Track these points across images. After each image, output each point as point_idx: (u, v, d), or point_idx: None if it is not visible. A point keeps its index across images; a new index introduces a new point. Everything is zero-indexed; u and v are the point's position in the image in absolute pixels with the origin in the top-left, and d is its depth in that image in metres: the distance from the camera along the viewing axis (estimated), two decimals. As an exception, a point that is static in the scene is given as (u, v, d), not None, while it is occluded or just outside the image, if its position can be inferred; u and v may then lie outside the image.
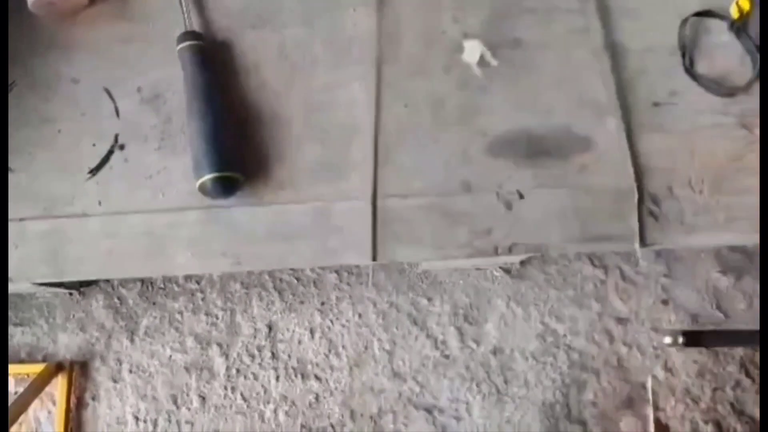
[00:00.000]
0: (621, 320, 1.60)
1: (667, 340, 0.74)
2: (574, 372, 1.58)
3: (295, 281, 1.67)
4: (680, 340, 0.75)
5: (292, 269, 1.66)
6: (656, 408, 1.54)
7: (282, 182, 0.82)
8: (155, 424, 1.59)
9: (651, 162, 0.81)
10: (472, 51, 0.87)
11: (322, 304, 1.65)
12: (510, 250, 0.79)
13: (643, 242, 0.79)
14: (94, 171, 0.82)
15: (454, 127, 0.84)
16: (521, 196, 0.81)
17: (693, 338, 0.77)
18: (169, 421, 1.58)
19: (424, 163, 0.82)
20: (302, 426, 1.57)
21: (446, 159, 0.82)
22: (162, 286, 1.67)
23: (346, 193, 0.81)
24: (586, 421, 1.55)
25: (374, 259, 0.79)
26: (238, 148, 0.81)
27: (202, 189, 0.76)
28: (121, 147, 0.84)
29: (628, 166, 0.81)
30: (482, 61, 0.87)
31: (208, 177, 0.74)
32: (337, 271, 1.67)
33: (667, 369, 1.55)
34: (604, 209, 0.80)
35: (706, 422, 1.52)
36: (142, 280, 1.68)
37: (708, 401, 1.53)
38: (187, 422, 1.58)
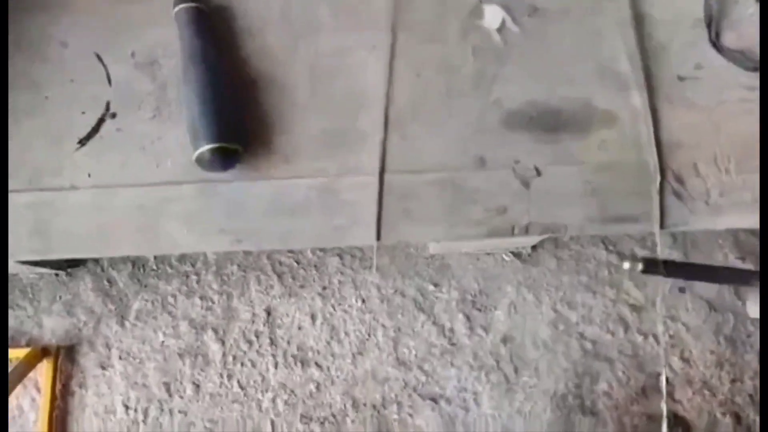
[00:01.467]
0: (636, 308, 1.59)
1: (626, 265, 0.74)
2: (587, 361, 1.57)
3: (296, 264, 1.66)
4: (639, 267, 0.74)
5: (291, 251, 1.65)
6: (672, 400, 1.53)
7: (285, 155, 0.81)
8: (146, 413, 1.58)
9: (675, 138, 0.81)
10: (494, 16, 0.85)
11: (324, 288, 1.64)
12: (527, 230, 0.79)
13: (665, 224, 0.79)
14: (83, 141, 0.81)
15: (469, 97, 0.82)
16: (538, 173, 0.80)
17: (652, 266, 0.76)
18: (161, 410, 1.58)
19: (436, 136, 0.81)
20: (302, 416, 1.56)
21: (460, 132, 0.81)
22: (154, 267, 1.66)
23: (353, 168, 0.80)
24: (599, 412, 1.54)
25: (378, 238, 0.79)
26: (238, 117, 0.80)
27: (200, 161, 0.75)
28: (113, 115, 0.82)
29: (651, 143, 0.80)
30: (503, 28, 0.85)
31: (206, 148, 0.73)
32: (339, 255, 1.66)
33: (684, 359, 1.55)
34: (625, 188, 0.79)
35: (724, 414, 1.52)
36: (134, 262, 1.67)
37: (726, 392, 1.53)
38: (180, 411, 1.58)
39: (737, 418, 1.52)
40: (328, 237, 0.79)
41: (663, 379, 0.73)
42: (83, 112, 0.83)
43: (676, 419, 1.53)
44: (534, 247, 1.61)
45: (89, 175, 0.80)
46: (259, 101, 0.82)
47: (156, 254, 0.76)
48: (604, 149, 0.80)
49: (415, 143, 0.81)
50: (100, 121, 0.82)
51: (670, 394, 1.54)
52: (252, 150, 0.80)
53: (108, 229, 0.79)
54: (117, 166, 0.81)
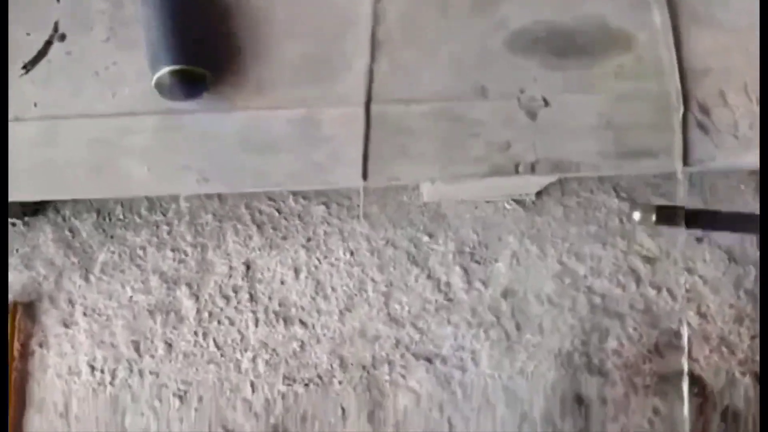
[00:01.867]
0: (649, 260, 1.58)
1: (636, 215, 0.73)
2: (595, 317, 1.57)
3: (277, 213, 1.64)
4: (652, 216, 0.73)
5: (272, 199, 1.64)
6: (689, 358, 1.54)
7: (259, 83, 0.78)
8: (114, 374, 1.58)
9: (701, 63, 0.79)
10: None
11: (308, 240, 1.63)
12: (533, 168, 0.78)
13: (689, 160, 0.78)
14: (28, 66, 0.78)
15: (469, 17, 0.80)
16: (546, 103, 0.79)
17: (667, 215, 0.74)
18: (131, 371, 1.58)
19: (431, 62, 0.79)
20: (285, 377, 1.57)
21: (458, 57, 0.79)
22: (121, 216, 1.64)
23: (336, 98, 0.78)
24: (608, 371, 1.55)
25: (365, 178, 0.78)
26: (204, 38, 0.77)
27: (160, 86, 0.72)
28: (62, 37, 0.79)
29: (673, 69, 0.78)
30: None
31: (166, 70, 0.70)
32: (325, 203, 1.65)
33: (701, 314, 1.55)
34: (644, 120, 0.78)
35: (743, 374, 1.53)
36: (98, 210, 1.65)
37: (746, 350, 1.54)
38: (151, 372, 1.58)
39: (757, 378, 1.53)
40: (307, 176, 0.78)
41: (685, 331, 0.72)
42: (28, 34, 0.80)
43: (691, 378, 1.53)
44: (538, 194, 1.60)
45: (35, 105, 0.78)
46: (229, 21, 0.79)
47: (112, 196, 0.74)
48: (621, 76, 0.79)
49: (406, 70, 0.79)
50: (48, 44, 0.79)
51: (684, 351, 1.53)
52: (221, 77, 0.78)
53: (57, 168, 0.77)
54: (67, 95, 0.78)
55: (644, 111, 0.78)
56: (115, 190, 0.78)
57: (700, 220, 0.78)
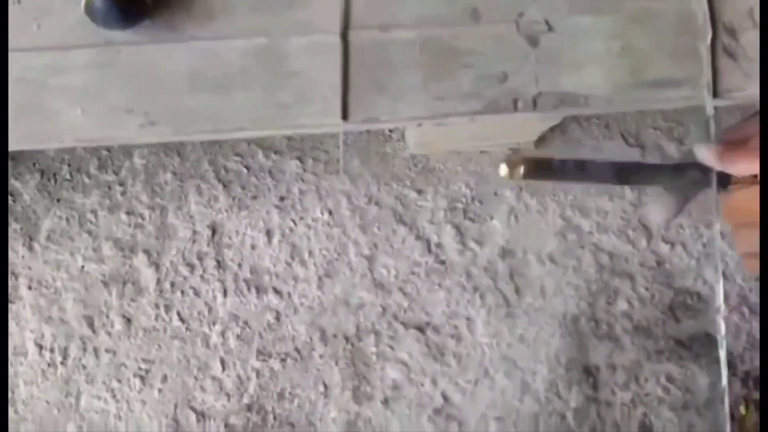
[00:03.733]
0: (662, 213, 1.59)
1: (503, 170, 0.69)
2: (602, 277, 1.58)
3: (245, 170, 1.63)
4: (521, 171, 0.70)
5: (239, 154, 1.62)
6: (705, 319, 1.55)
7: (211, 7, 0.73)
8: (65, 353, 1.57)
9: None
10: None
11: (282, 199, 1.62)
12: (534, 103, 0.74)
13: (718, 91, 0.73)
14: None
15: None
16: (550, 27, 0.74)
17: (537, 168, 0.71)
18: (84, 350, 1.57)
19: None
20: (259, 351, 1.57)
21: None
22: (68, 177, 1.63)
23: (304, 24, 0.73)
24: (618, 336, 1.55)
25: (345, 117, 0.73)
26: None
27: (90, 10, 0.67)
28: None
29: None
30: None
31: None
32: (299, 157, 1.63)
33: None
34: (663, 46, 0.74)
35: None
36: (42, 171, 1.63)
37: (768, 310, 1.54)
38: (107, 350, 1.57)
39: (780, 339, 1.53)
40: (272, 119, 0.73)
41: (720, 289, 0.69)
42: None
43: (707, 340, 1.54)
44: (540, 140, 1.59)
45: (-57, 39, 0.72)
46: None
47: (40, 146, 0.70)
48: (637, -5, 0.75)
49: (386, -11, 0.74)
50: (-44, -33, 0.72)
51: (702, 312, 1.55)
52: (166, 1, 0.72)
53: (-26, 113, 0.71)
54: (-18, 27, 0.73)
55: (664, 36, 0.74)
56: (43, 140, 0.72)
57: (572, 172, 0.73)
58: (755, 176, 0.71)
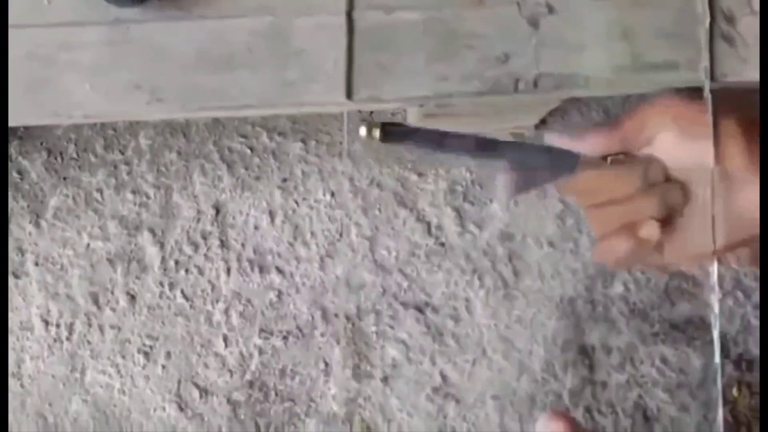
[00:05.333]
0: (659, 198, 1.58)
1: (362, 131, 0.69)
2: None
3: (249, 151, 1.61)
4: (378, 134, 0.69)
5: (243, 136, 1.61)
6: (699, 303, 1.54)
7: None
8: (71, 329, 1.57)
9: None
10: None
11: (284, 180, 1.61)
12: (535, 84, 0.74)
13: (715, 75, 0.74)
14: None
15: None
16: (551, 10, 0.74)
17: (394, 133, 0.71)
18: (89, 325, 1.56)
19: None
20: (261, 329, 1.56)
21: None
22: (75, 156, 1.61)
23: (310, 3, 0.73)
24: (615, 319, 1.54)
25: (349, 96, 0.73)
26: None
27: None
28: None
29: None
30: None
31: None
32: (303, 139, 1.61)
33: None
34: (663, 30, 0.74)
35: (758, 319, 1.53)
36: (49, 149, 1.61)
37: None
38: (112, 327, 1.57)
39: (773, 324, 1.53)
40: (278, 95, 0.74)
41: (714, 271, 0.69)
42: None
43: (702, 324, 1.53)
44: (541, 123, 1.57)
45: (-44, 16, 0.72)
46: None
47: (50, 121, 0.71)
48: (638, -23, 0.74)
49: (389, -29, 0.73)
50: (-32, -56, 0.72)
51: (695, 296, 1.54)
52: None
53: (-15, 88, 0.71)
54: (-7, 3, 0.72)
55: (664, 20, 0.75)
56: (52, 114, 0.73)
57: (430, 141, 0.73)
58: (603, 157, 0.71)
